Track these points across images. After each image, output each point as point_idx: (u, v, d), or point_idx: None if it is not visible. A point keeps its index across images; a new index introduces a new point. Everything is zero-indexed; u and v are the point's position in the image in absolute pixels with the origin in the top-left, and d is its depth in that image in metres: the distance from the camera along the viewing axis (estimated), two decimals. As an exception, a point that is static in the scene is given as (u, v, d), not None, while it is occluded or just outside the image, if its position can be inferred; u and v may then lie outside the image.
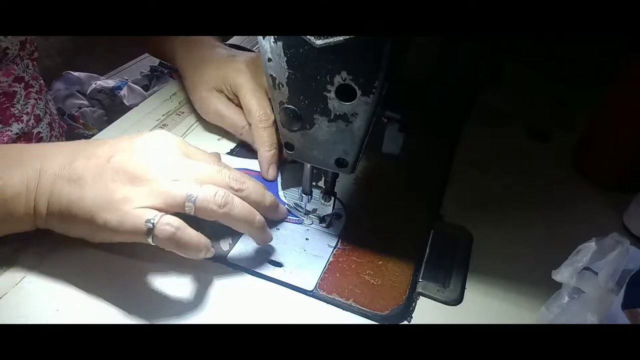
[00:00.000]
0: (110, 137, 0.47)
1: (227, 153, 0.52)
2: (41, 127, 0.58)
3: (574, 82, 0.70)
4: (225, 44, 0.70)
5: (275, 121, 0.47)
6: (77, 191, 0.34)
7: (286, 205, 0.45)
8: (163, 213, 0.34)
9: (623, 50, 0.48)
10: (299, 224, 0.44)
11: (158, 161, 0.36)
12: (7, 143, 0.53)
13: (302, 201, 0.44)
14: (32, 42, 0.56)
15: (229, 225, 0.36)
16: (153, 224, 0.33)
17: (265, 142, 0.47)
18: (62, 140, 0.65)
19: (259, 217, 0.38)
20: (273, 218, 0.42)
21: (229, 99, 0.52)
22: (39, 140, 0.57)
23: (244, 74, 0.49)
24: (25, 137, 0.55)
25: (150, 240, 0.33)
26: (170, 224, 0.33)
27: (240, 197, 0.37)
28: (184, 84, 0.56)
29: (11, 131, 0.53)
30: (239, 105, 0.50)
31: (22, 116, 0.54)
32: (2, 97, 0.52)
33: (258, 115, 0.47)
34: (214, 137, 0.55)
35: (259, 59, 0.52)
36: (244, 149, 0.53)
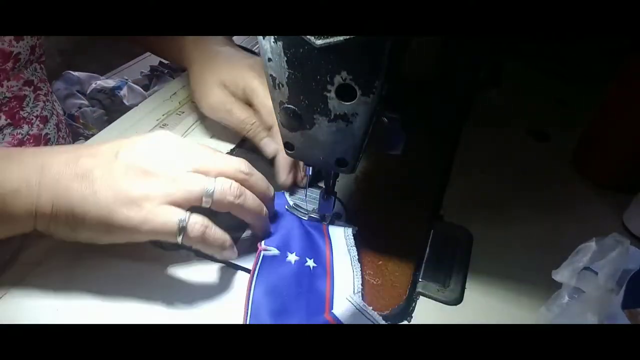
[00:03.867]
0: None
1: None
2: (48, 129, 0.58)
3: (574, 82, 0.70)
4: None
5: None
6: (87, 188, 0.33)
7: (286, 206, 0.45)
8: (189, 212, 0.34)
9: (623, 51, 0.48)
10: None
11: (166, 154, 0.35)
12: (16, 145, 0.53)
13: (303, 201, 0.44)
14: (40, 45, 0.56)
15: (239, 215, 0.37)
16: (185, 223, 0.33)
17: None
18: (69, 142, 0.65)
19: (264, 208, 0.39)
20: (270, 209, 0.42)
21: (235, 97, 0.51)
22: (47, 141, 0.58)
23: (259, 79, 0.48)
24: (33, 138, 0.56)
25: (179, 239, 0.34)
26: (200, 223, 0.34)
27: (248, 185, 0.37)
28: (190, 78, 0.55)
29: (21, 134, 0.54)
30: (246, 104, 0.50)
31: (31, 118, 0.55)
32: (13, 100, 0.52)
33: None
34: (213, 137, 0.55)
35: None
36: (243, 150, 0.53)
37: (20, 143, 0.54)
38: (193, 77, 0.54)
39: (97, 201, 0.33)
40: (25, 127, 0.54)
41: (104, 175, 0.33)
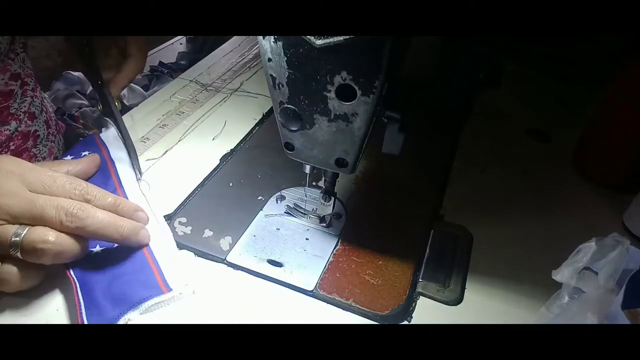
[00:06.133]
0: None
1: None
2: (37, 125, 0.57)
3: (574, 82, 0.69)
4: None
5: None
6: None
7: (285, 206, 0.45)
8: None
9: (623, 50, 0.48)
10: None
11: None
12: (4, 141, 0.53)
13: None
14: None
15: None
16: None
17: None
18: (59, 139, 0.65)
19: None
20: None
21: None
22: (36, 138, 0.57)
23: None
24: (22, 135, 0.55)
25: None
26: None
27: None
28: None
29: (9, 130, 0.53)
30: None
31: (19, 114, 0.54)
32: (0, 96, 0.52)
33: None
34: (210, 138, 0.55)
35: None
36: (245, 149, 0.53)
37: (8, 139, 0.53)
38: None
39: None
40: (13, 123, 0.53)
41: None
